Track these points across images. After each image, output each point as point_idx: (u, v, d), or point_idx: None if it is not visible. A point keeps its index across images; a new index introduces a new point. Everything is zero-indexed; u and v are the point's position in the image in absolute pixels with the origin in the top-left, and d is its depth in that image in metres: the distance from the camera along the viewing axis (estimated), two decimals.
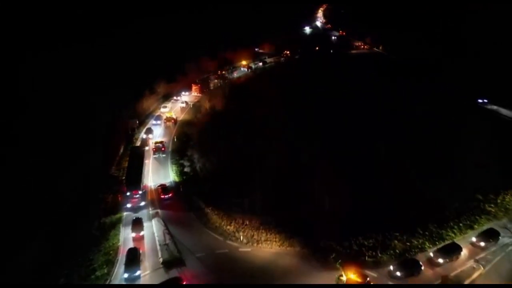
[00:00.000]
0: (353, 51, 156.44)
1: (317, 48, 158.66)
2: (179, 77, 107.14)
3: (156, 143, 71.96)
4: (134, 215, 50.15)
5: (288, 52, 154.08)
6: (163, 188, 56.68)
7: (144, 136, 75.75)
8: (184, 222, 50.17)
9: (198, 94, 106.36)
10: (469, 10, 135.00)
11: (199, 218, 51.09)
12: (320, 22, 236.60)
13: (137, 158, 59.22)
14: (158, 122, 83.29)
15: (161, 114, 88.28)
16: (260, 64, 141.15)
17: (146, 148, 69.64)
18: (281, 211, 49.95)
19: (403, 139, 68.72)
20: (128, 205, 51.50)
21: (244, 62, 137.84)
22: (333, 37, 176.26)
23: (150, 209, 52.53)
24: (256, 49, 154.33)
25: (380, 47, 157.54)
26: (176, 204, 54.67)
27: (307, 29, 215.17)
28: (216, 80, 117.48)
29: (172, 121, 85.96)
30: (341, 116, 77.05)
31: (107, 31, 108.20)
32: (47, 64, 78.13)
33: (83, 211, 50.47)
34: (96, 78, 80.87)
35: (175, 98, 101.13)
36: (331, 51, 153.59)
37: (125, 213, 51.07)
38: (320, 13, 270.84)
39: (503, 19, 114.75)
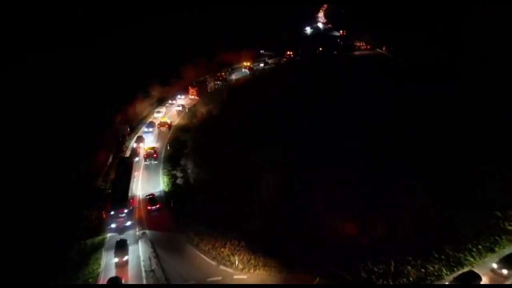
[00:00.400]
0: (356, 53, 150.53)
1: (320, 49, 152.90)
2: (174, 79, 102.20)
3: (148, 149, 67.56)
4: (118, 237, 45.17)
5: (291, 52, 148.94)
6: (151, 199, 52.70)
7: (135, 145, 70.14)
8: (174, 244, 45.24)
9: (196, 97, 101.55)
10: (469, 10, 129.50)
11: (190, 238, 46.09)
12: (322, 23, 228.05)
13: (124, 171, 53.87)
14: (150, 129, 77.55)
15: (154, 121, 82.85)
16: (262, 65, 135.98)
17: (136, 159, 64.04)
18: (281, 233, 45.03)
19: (412, 148, 63.51)
20: (113, 225, 46.40)
21: (245, 63, 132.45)
22: (339, 40, 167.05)
23: (137, 229, 47.53)
24: (261, 51, 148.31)
25: (384, 48, 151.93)
26: (166, 222, 49.79)
27: (308, 29, 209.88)
28: (214, 82, 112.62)
29: (167, 126, 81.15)
30: (346, 126, 71.57)
31: (104, 31, 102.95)
32: (34, 65, 73.59)
33: (63, 231, 45.59)
34: (85, 81, 76.09)
35: (170, 101, 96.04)
36: (335, 52, 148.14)
37: (109, 234, 46.07)
38: (321, 13, 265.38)
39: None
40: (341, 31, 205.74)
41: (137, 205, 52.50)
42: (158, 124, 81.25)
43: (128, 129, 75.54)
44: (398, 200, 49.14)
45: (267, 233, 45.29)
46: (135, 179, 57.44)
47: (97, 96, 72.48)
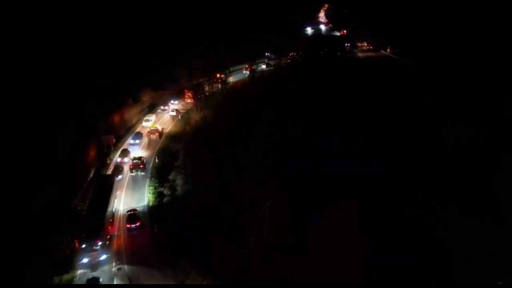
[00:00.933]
0: (360, 54, 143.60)
1: (323, 50, 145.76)
2: (168, 83, 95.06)
3: (134, 159, 60.94)
4: (91, 274, 38.02)
5: (294, 53, 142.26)
6: (131, 215, 47.21)
7: (119, 159, 62.39)
8: (156, 282, 38.13)
9: (191, 101, 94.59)
10: (469, 10, 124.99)
11: (176, 275, 39.02)
12: (324, 25, 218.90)
13: (103, 193, 46.39)
14: (137, 141, 69.49)
15: (142, 130, 75.04)
16: (264, 66, 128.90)
17: (119, 177, 56.28)
18: (283, 271, 38.03)
19: (426, 166, 56.35)
20: (85, 260, 39.15)
21: (246, 65, 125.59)
22: (347, 45, 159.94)
23: (113, 263, 40.34)
24: (266, 54, 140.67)
25: (388, 50, 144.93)
26: (149, 250, 42.76)
27: (309, 30, 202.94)
28: (212, 85, 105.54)
29: (157, 133, 74.04)
30: (351, 140, 64.45)
31: (92, 32, 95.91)
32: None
33: (26, 264, 38.42)
34: (66, 87, 68.85)
35: (162, 107, 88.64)
36: (338, 53, 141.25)
37: (79, 271, 38.80)
38: (321, 13, 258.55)
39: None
40: (341, 31, 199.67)
41: (116, 233, 45.28)
42: (148, 132, 74.24)
43: (114, 139, 68.15)
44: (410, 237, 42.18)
45: (265, 270, 38.39)
46: (116, 200, 50.20)
47: (79, 102, 65.39)
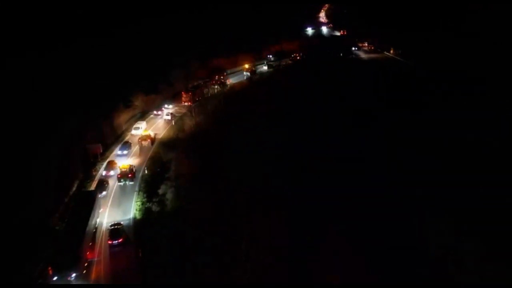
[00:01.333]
0: (363, 56, 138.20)
1: (326, 52, 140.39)
2: (163, 86, 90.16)
3: (122, 168, 56.15)
4: None
5: (297, 55, 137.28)
6: (113, 231, 42.80)
7: (104, 172, 57.02)
8: None
9: (189, 104, 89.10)
10: (469, 10, 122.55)
11: None
12: (326, 26, 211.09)
13: (81, 215, 41.27)
14: (125, 152, 63.60)
15: (131, 140, 69.23)
16: (265, 67, 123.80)
17: (103, 193, 51.10)
18: None
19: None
20: None
21: (246, 66, 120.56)
22: (353, 48, 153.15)
23: None
24: (268, 56, 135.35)
25: (391, 51, 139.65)
26: (132, 279, 37.83)
27: (309, 30, 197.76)
28: (211, 87, 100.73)
29: (149, 140, 69.11)
30: (357, 155, 59.52)
31: (87, 33, 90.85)
32: None
33: None
34: (52, 91, 64.00)
35: (155, 112, 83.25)
36: (341, 54, 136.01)
37: None
38: (322, 14, 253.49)
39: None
40: (341, 31, 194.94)
41: (96, 258, 40.34)
42: (140, 138, 69.23)
43: (101, 148, 63.14)
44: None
45: None
46: (98, 219, 45.27)
47: (63, 108, 60.53)
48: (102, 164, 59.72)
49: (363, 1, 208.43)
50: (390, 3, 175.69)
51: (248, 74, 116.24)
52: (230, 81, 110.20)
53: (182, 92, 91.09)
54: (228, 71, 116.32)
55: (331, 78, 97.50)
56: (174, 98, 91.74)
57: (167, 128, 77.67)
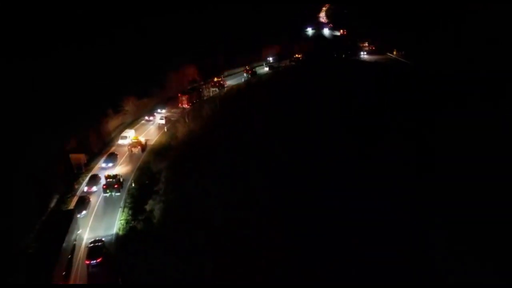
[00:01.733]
0: (366, 57, 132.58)
1: (328, 53, 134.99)
2: (155, 89, 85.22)
3: (108, 177, 51.49)
4: None
5: (299, 55, 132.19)
6: (92, 249, 38.57)
7: (85, 188, 51.46)
8: None
9: (187, 106, 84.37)
10: (469, 10, 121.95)
11: None
12: (328, 29, 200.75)
13: (55, 237, 36.25)
14: (110, 164, 57.89)
15: (117, 151, 63.39)
16: (266, 69, 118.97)
17: (83, 212, 45.81)
18: None
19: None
20: None
21: (247, 67, 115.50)
22: (362, 54, 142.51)
23: None
24: (268, 58, 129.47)
25: (394, 52, 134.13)
26: None
27: (310, 30, 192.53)
28: (209, 89, 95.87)
29: (139, 147, 64.31)
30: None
31: (77, 37, 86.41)
32: None
33: None
34: (35, 97, 59.59)
35: (146, 118, 78.00)
36: (343, 55, 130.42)
37: None
38: (322, 14, 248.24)
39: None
40: (341, 31, 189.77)
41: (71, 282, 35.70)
42: (129, 145, 64.45)
43: (86, 158, 58.27)
44: None
45: None
46: (75, 242, 40.40)
47: (47, 115, 56.05)
48: (86, 177, 54.66)
49: (363, 1, 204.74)
50: (390, 3, 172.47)
51: (248, 75, 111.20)
52: (227, 83, 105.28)
53: (179, 94, 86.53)
54: (226, 73, 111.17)
55: (335, 81, 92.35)
56: (168, 101, 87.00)
57: (160, 134, 72.81)
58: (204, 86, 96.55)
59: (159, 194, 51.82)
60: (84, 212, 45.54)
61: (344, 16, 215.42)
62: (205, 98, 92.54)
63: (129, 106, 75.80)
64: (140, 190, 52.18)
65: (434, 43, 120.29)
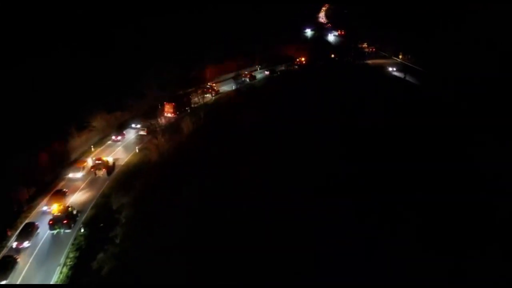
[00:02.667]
0: (370, 61, 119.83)
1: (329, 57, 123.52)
2: (131, 100, 73.25)
3: (57, 209, 41.61)
4: None
5: (302, 59, 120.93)
6: None
7: (14, 244, 38.15)
8: None
9: (173, 116, 73.84)
10: (469, 10, 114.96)
11: None
12: (333, 35, 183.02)
13: None
14: (48, 208, 43.56)
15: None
16: (267, 72, 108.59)
17: (2, 283, 33.42)
18: None
19: None
20: None
21: (245, 71, 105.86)
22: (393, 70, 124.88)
23: None
24: (257, 66, 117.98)
25: (400, 56, 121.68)
26: None
27: (309, 32, 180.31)
28: (200, 96, 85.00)
29: (104, 169, 52.80)
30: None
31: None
32: None
33: None
34: None
35: (113, 137, 64.26)
36: (350, 59, 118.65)
37: None
38: (321, 14, 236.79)
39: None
40: (339, 31, 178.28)
41: None
42: (92, 167, 53.23)
43: (27, 192, 46.30)
44: None
45: None
46: None
47: None
48: (29, 216, 42.75)
49: (363, 1, 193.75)
50: (390, 3, 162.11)
51: (247, 79, 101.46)
52: (218, 89, 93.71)
53: (165, 103, 75.99)
54: (214, 80, 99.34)
55: (341, 90, 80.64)
56: (148, 113, 74.66)
57: (132, 153, 60.80)
58: (194, 92, 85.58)
59: (114, 244, 40.05)
60: (3, 282, 33.36)
61: (344, 16, 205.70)
62: (195, 105, 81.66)
63: (98, 122, 63.94)
64: (90, 238, 40.39)
65: (440, 43, 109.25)
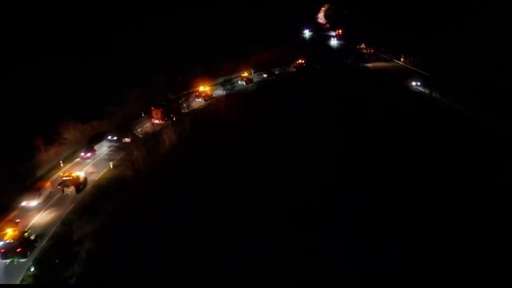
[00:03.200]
0: (370, 65, 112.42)
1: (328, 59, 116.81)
2: (110, 108, 66.54)
3: (8, 239, 35.43)
4: None
5: (302, 61, 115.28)
6: None
7: None
8: None
9: (160, 122, 68.73)
10: (469, 10, 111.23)
11: None
12: (336, 40, 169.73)
13: None
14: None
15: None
16: (265, 75, 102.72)
17: None
18: None
19: None
20: None
21: (243, 74, 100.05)
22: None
23: None
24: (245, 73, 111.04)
25: (402, 59, 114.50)
26: None
27: (307, 33, 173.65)
28: (190, 101, 79.20)
29: (73, 187, 46.53)
30: None
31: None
32: None
33: None
34: None
35: (82, 155, 56.02)
36: (349, 61, 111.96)
37: None
38: (320, 14, 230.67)
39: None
40: (337, 31, 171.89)
41: None
42: (59, 184, 46.91)
43: None
44: None
45: None
46: None
47: None
48: None
49: (363, 1, 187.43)
50: (391, 3, 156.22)
51: (243, 83, 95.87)
52: (212, 94, 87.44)
53: (152, 108, 70.49)
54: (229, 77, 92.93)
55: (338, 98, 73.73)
56: (130, 121, 68.27)
57: (108, 168, 54.16)
58: (185, 97, 79.68)
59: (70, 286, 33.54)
60: None
61: (344, 17, 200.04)
62: (186, 111, 75.72)
63: (70, 133, 57.31)
64: (40, 279, 33.80)
65: (440, 44, 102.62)
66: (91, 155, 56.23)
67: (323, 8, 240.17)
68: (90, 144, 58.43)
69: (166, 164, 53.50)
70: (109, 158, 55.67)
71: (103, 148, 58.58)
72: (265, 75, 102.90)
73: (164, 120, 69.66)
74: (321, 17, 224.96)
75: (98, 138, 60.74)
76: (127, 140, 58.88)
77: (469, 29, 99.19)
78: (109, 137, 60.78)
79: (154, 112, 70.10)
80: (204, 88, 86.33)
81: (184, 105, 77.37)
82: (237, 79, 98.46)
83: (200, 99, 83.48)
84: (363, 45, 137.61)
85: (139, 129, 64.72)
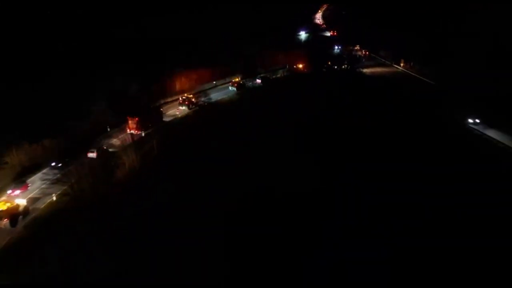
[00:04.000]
0: (366, 70, 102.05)
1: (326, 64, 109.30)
2: (72, 123, 57.46)
3: None
4: None
5: (301, 65, 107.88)
6: None
7: None
8: None
9: (136, 132, 61.40)
10: (469, 10, 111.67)
11: None
12: (338, 47, 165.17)
13: None
14: None
15: None
16: (259, 81, 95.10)
17: None
18: None
19: None
20: None
21: (234, 79, 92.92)
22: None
23: None
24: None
25: (402, 64, 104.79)
26: None
27: (303, 35, 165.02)
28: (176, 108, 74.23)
29: (6, 219, 38.89)
30: None
31: None
32: None
33: None
34: None
35: (10, 192, 43.63)
36: (346, 65, 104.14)
37: None
38: (318, 15, 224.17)
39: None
40: (331, 32, 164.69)
41: None
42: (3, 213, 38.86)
43: None
44: None
45: None
46: None
47: None
48: None
49: (363, 1, 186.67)
50: (391, 3, 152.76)
51: (234, 88, 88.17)
52: (198, 101, 79.21)
53: (128, 117, 62.75)
54: (194, 90, 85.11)
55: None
56: (93, 136, 59.28)
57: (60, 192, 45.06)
58: (167, 104, 75.07)
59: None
60: None
61: (342, 17, 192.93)
62: (168, 120, 69.39)
63: (12, 156, 48.27)
64: None
65: (442, 45, 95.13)
66: (21, 192, 44.13)
67: (322, 8, 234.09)
68: (22, 176, 47.21)
69: (122, 196, 43.96)
70: (53, 186, 46.08)
71: (39, 183, 47.38)
72: (258, 81, 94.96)
73: (141, 131, 62.31)
74: (318, 18, 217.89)
75: (36, 166, 49.58)
76: (92, 155, 50.97)
77: (469, 29, 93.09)
78: (52, 164, 50.10)
79: (130, 121, 62.36)
80: (188, 94, 79.43)
81: (169, 112, 70.12)
82: (227, 84, 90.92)
83: (183, 107, 75.95)
84: (357, 47, 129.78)
85: (109, 142, 56.29)
